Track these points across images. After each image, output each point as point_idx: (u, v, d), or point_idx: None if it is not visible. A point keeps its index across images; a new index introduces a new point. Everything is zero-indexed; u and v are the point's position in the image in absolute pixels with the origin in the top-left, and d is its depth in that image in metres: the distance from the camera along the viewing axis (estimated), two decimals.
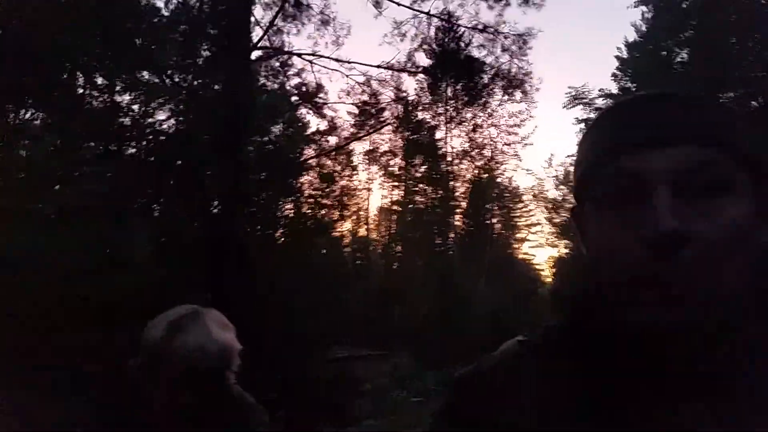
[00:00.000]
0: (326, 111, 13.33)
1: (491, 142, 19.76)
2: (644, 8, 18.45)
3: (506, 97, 12.29)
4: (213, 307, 1.67)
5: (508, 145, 20.30)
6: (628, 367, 0.70)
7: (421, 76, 12.42)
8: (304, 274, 11.10)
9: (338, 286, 14.36)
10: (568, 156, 26.25)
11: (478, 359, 0.86)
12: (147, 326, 1.55)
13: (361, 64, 12.20)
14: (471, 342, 17.53)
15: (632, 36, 19.38)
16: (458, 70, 10.57)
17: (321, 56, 10.51)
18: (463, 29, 10.41)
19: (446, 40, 10.53)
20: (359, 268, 26.73)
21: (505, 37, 10.75)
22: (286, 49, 9.45)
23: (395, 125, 16.02)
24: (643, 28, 18.74)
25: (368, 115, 14.47)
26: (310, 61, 10.21)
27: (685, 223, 0.65)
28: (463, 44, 10.51)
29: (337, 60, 11.00)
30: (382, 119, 14.31)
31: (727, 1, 14.13)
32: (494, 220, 27.98)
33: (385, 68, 11.86)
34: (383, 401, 13.46)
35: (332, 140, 15.42)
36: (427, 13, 10.50)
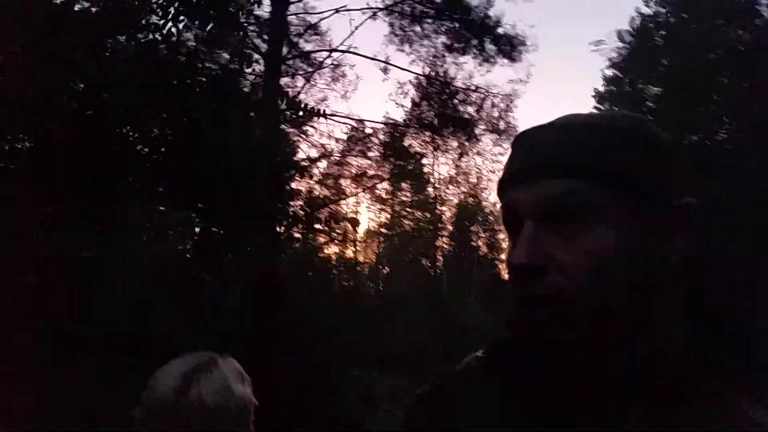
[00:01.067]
0: (315, 137, 14.43)
1: (476, 170, 20.89)
2: (619, 44, 19.63)
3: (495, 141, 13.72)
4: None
5: (493, 172, 21.29)
6: (556, 381, 0.74)
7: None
8: (308, 299, 11.92)
9: (335, 311, 15.07)
10: None
11: (438, 374, 0.91)
12: (155, 375, 1.39)
13: (369, 121, 13.53)
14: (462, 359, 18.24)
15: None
16: (454, 123, 11.80)
17: (337, 114, 11.70)
18: (457, 90, 11.79)
19: (443, 98, 11.86)
20: (347, 290, 27.40)
21: (494, 96, 12.22)
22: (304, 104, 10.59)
23: (382, 150, 17.15)
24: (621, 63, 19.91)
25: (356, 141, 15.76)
26: (326, 117, 11.30)
27: (547, 253, 0.71)
28: (457, 101, 11.87)
29: (349, 117, 12.37)
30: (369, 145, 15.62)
31: (693, 38, 15.29)
32: (480, 243, 28.98)
33: (391, 124, 13.27)
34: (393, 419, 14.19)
35: (321, 166, 16.51)
36: (427, 76, 11.79)
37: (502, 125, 12.72)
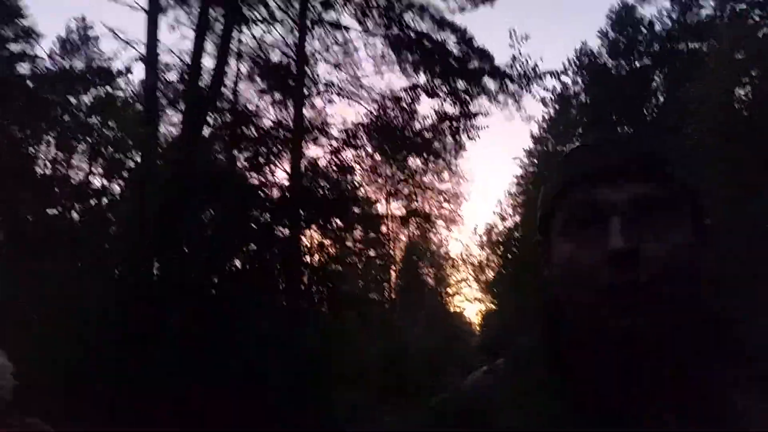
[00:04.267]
0: None
1: (425, 213, 23.84)
2: (544, 109, 23.05)
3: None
4: None
5: (439, 217, 24.28)
6: (609, 376, 0.78)
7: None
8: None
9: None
10: (489, 224, 30.66)
11: (450, 387, 0.97)
12: None
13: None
14: (412, 382, 20.70)
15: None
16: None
17: None
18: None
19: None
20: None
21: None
22: None
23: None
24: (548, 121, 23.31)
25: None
26: None
27: (639, 243, 0.77)
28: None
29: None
30: None
31: (605, 111, 18.60)
32: (428, 279, 31.80)
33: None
34: None
35: None
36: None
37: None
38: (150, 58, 10.14)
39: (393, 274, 31.17)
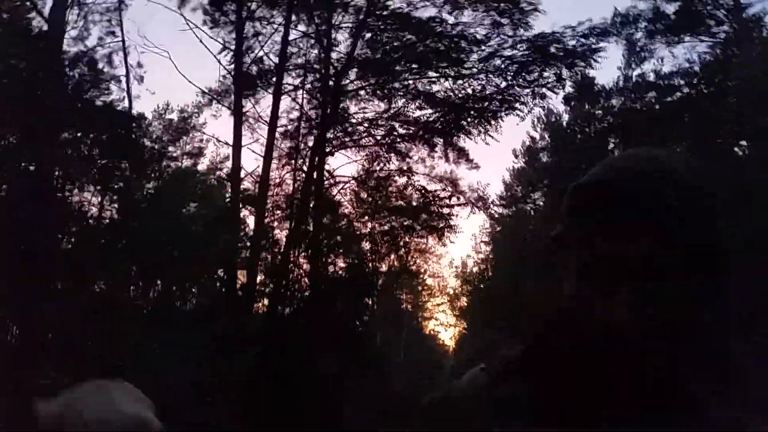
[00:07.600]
0: None
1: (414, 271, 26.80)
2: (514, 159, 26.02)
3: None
4: None
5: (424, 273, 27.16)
6: (595, 380, 0.81)
7: None
8: None
9: None
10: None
11: (446, 387, 0.99)
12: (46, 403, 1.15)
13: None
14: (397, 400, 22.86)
15: None
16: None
17: None
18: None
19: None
20: None
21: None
22: None
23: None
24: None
25: None
26: None
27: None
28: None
29: None
30: None
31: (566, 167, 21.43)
32: (407, 305, 34.35)
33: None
34: None
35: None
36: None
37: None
38: (234, 177, 14.17)
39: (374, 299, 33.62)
